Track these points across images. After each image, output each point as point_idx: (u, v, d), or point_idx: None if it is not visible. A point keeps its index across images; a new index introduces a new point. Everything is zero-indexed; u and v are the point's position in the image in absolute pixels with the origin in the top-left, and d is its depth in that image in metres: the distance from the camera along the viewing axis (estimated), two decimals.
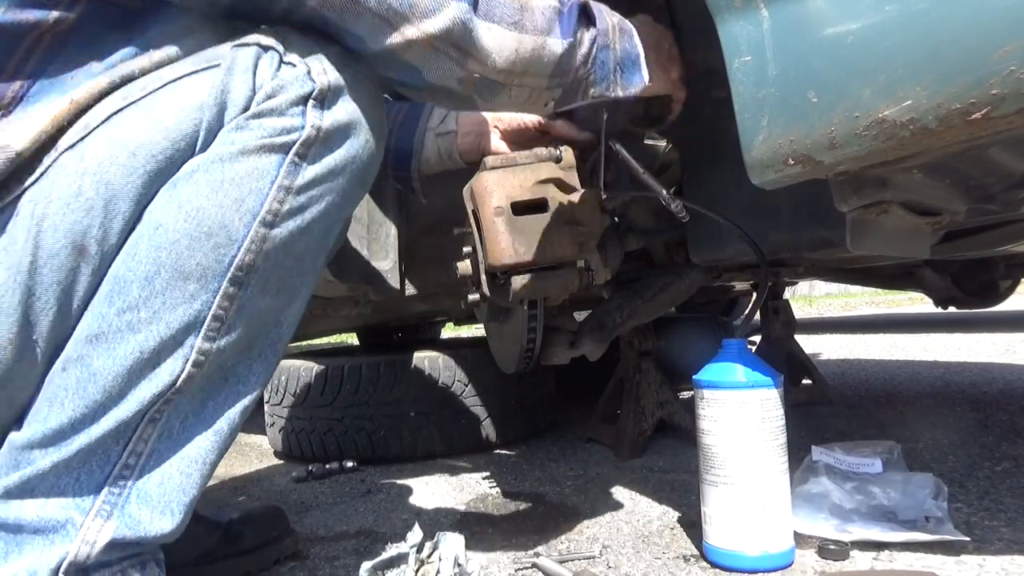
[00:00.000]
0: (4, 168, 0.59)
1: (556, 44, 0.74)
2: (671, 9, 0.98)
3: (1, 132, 0.59)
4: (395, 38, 0.66)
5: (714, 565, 0.83)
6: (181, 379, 0.62)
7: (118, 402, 0.61)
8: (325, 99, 0.65)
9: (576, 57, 0.76)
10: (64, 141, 0.61)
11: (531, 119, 1.03)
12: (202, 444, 0.66)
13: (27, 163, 0.60)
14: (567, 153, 0.97)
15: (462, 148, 1.05)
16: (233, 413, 0.68)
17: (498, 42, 0.71)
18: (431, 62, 0.69)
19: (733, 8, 0.66)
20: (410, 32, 0.66)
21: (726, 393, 0.81)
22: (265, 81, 0.63)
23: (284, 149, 0.63)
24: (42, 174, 0.60)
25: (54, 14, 0.62)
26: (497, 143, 1.05)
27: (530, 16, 0.72)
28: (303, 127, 0.64)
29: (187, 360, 0.63)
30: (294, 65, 0.64)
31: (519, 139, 1.05)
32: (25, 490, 0.60)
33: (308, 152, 0.64)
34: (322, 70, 0.65)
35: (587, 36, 0.76)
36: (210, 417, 0.66)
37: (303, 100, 0.64)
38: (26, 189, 0.60)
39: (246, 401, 0.69)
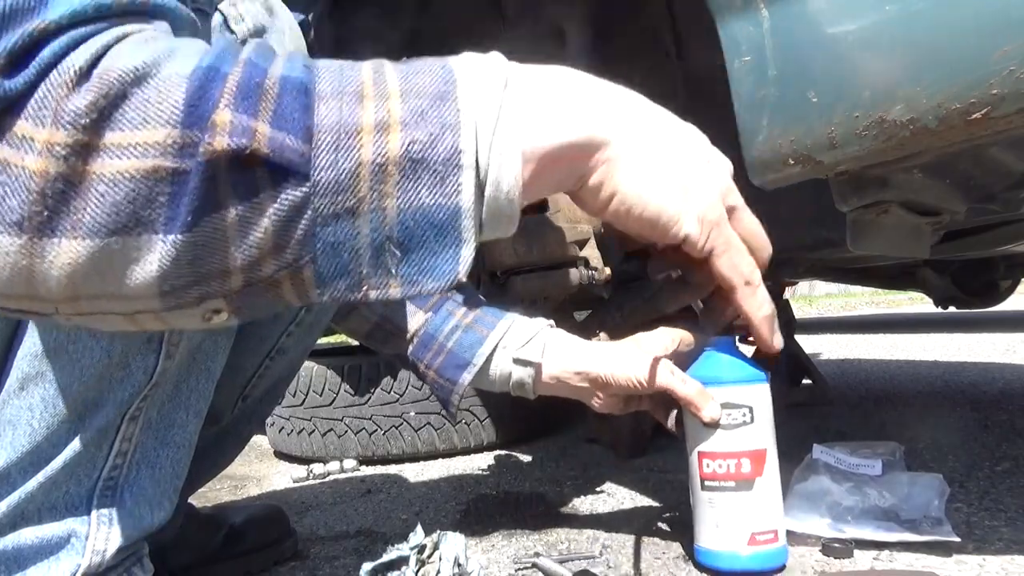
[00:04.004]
0: None
1: (147, 246, 0.38)
2: (671, 9, 0.98)
3: None
4: None
5: (704, 568, 0.82)
6: (156, 374, 0.60)
7: (95, 410, 0.59)
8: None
9: (225, 255, 0.39)
10: None
11: (637, 378, 0.80)
12: (184, 426, 0.65)
13: None
14: None
15: (541, 389, 0.87)
16: (206, 388, 0.67)
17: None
18: None
19: (733, 8, 0.66)
20: None
21: (713, 390, 0.79)
22: None
23: None
24: None
25: None
26: (595, 403, 0.86)
27: (81, 206, 0.37)
28: None
29: (159, 354, 0.60)
30: (206, 13, 0.57)
31: (621, 404, 0.87)
32: (16, 516, 0.58)
33: None
34: (237, 16, 0.58)
35: (269, 207, 0.38)
36: (185, 399, 0.65)
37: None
38: None
39: (216, 373, 0.68)
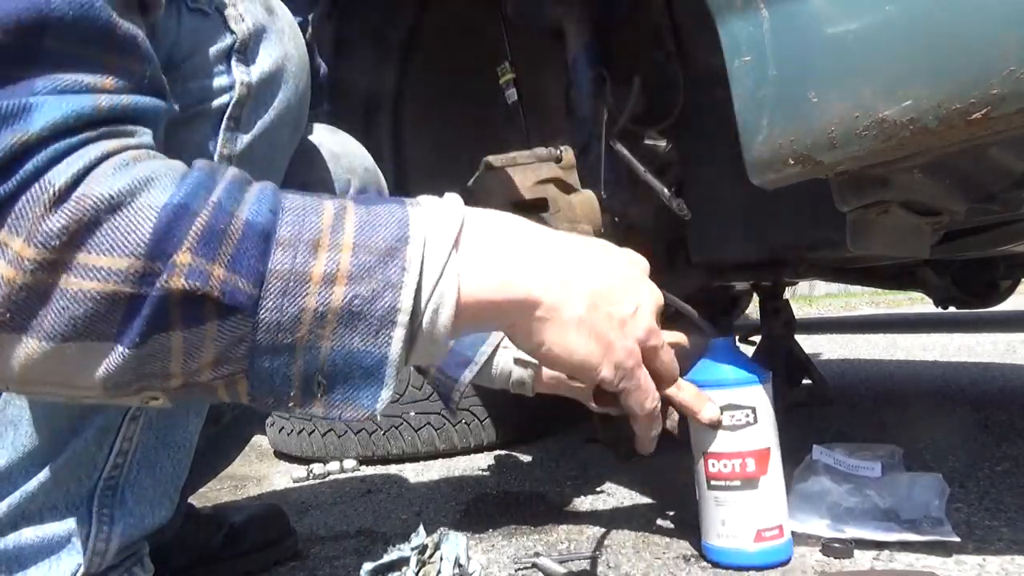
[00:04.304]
0: None
1: (97, 352, 0.42)
2: (671, 9, 0.98)
3: None
4: None
5: (714, 564, 0.83)
6: None
7: (96, 409, 0.59)
8: (247, 49, 0.58)
9: (168, 365, 0.43)
10: None
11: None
12: (185, 426, 0.65)
13: None
14: (567, 153, 0.97)
15: (541, 388, 0.90)
16: None
17: None
18: None
19: (733, 8, 0.66)
20: None
21: (715, 392, 0.80)
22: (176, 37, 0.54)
23: (217, 115, 0.58)
24: None
25: None
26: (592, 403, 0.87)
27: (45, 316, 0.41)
28: (232, 87, 0.58)
29: None
30: (206, 13, 0.57)
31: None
32: (17, 516, 0.58)
33: (241, 114, 0.59)
34: (237, 16, 0.58)
35: (212, 334, 0.43)
36: None
37: (225, 56, 0.57)
38: None
39: None
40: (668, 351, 0.63)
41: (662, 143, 1.24)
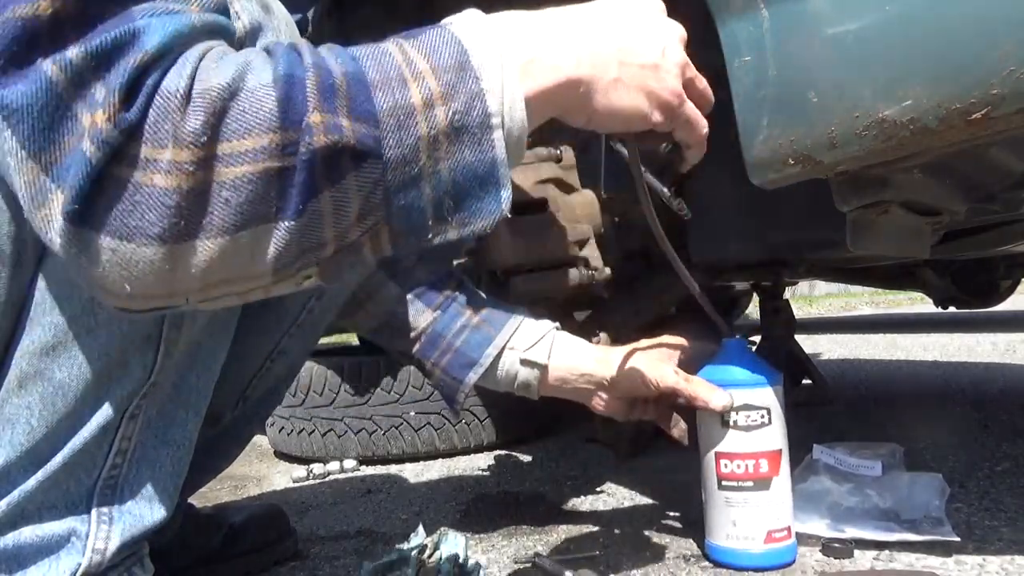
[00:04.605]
0: None
1: (266, 233, 0.45)
2: (671, 9, 0.98)
3: None
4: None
5: (717, 564, 0.83)
6: (155, 372, 0.60)
7: (95, 408, 0.59)
8: (243, 47, 0.58)
9: (323, 231, 0.46)
10: None
11: (642, 381, 0.81)
12: (184, 424, 0.65)
13: None
14: (567, 153, 0.97)
15: (546, 391, 0.88)
16: (206, 386, 0.67)
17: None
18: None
19: (733, 8, 0.66)
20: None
21: (730, 393, 0.80)
22: None
23: None
24: None
25: None
26: (598, 405, 0.87)
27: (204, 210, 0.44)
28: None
29: (157, 352, 0.60)
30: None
31: (625, 408, 0.87)
32: (16, 515, 0.58)
33: None
34: (234, 14, 0.59)
35: (354, 186, 0.46)
36: (185, 397, 0.65)
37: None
38: None
39: (215, 371, 0.68)
40: (700, 79, 0.64)
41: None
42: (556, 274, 0.93)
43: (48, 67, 0.42)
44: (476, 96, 0.49)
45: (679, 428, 0.86)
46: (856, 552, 0.83)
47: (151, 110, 0.42)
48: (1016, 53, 0.53)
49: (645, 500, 1.11)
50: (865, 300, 7.35)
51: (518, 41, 0.53)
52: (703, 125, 0.64)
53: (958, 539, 0.80)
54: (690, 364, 0.84)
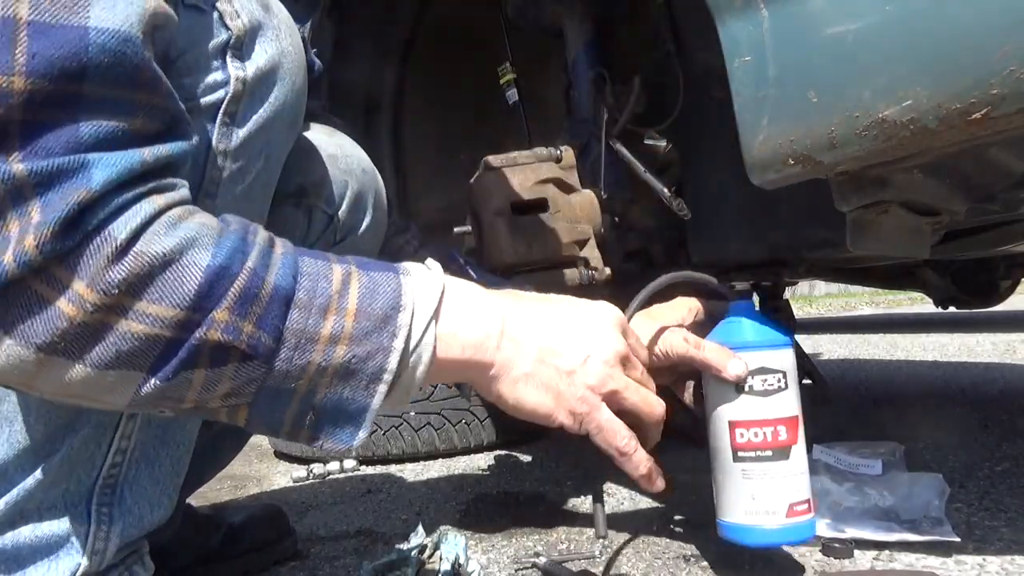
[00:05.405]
0: None
1: (132, 380, 0.48)
2: (671, 9, 0.98)
3: None
4: None
5: (732, 542, 0.76)
6: None
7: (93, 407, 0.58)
8: (243, 46, 0.59)
9: (187, 393, 0.50)
10: None
11: (653, 350, 0.77)
12: (183, 423, 0.65)
13: None
14: (567, 153, 0.97)
15: None
16: None
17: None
18: None
19: (733, 8, 0.66)
20: None
21: (744, 356, 0.74)
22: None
23: (212, 110, 0.59)
24: None
25: None
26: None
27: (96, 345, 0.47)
28: (227, 83, 0.58)
29: None
30: (202, 10, 0.58)
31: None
32: (15, 515, 0.58)
33: (237, 110, 0.60)
34: (233, 12, 0.59)
35: (230, 374, 0.49)
36: None
37: (220, 52, 0.58)
38: None
39: None
40: (638, 390, 0.65)
41: (662, 143, 1.24)
42: (556, 274, 0.93)
43: None
44: (381, 351, 0.53)
45: (690, 392, 0.82)
46: (856, 552, 0.83)
47: (89, 246, 0.44)
48: (1016, 53, 0.53)
49: (645, 500, 1.11)
50: (865, 300, 7.35)
51: (453, 310, 0.58)
52: (620, 436, 0.65)
53: (958, 539, 0.80)
54: (707, 328, 0.80)
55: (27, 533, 0.58)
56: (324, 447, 0.54)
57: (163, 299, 0.46)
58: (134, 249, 0.45)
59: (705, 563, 0.84)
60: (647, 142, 1.22)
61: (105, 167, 0.45)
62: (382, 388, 0.54)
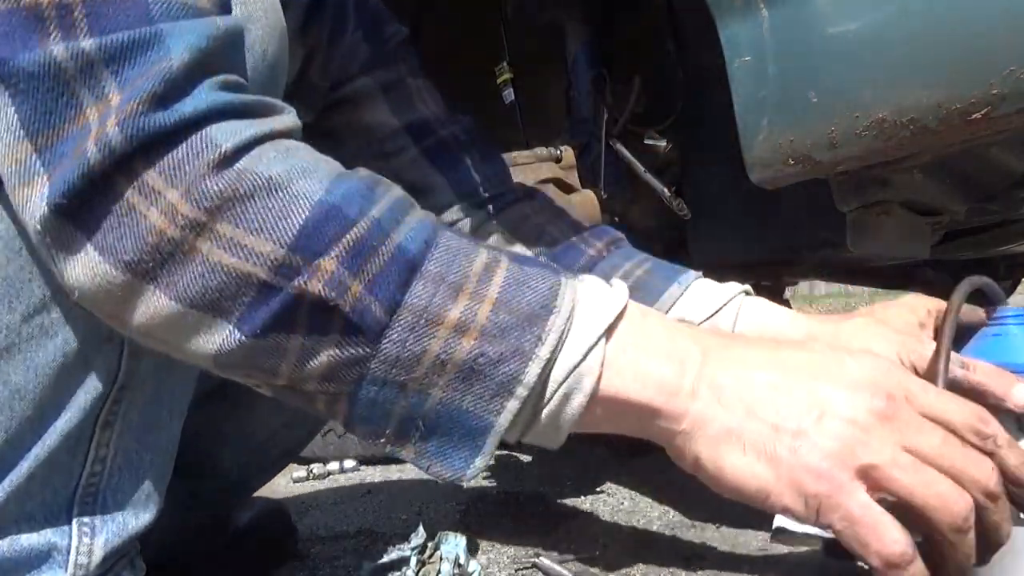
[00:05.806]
0: None
1: (217, 329, 0.42)
2: (671, 9, 0.98)
3: None
4: None
5: None
6: (121, 374, 0.55)
7: (58, 413, 0.54)
8: None
9: (280, 365, 0.42)
10: None
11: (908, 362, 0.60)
12: (167, 427, 0.62)
13: None
14: (567, 153, 0.97)
15: None
16: (186, 387, 0.62)
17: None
18: None
19: (733, 8, 0.66)
20: None
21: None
22: None
23: None
24: None
25: None
26: None
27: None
28: None
29: (121, 353, 0.54)
30: None
31: None
32: None
33: None
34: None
35: (331, 349, 0.41)
36: (168, 399, 0.61)
37: None
38: None
39: (195, 371, 0.62)
40: (916, 468, 0.42)
41: (662, 143, 1.24)
42: None
43: (57, 50, 0.39)
44: (518, 355, 0.42)
45: None
46: None
47: (183, 144, 0.39)
48: (1016, 53, 0.53)
49: (645, 500, 1.11)
50: (865, 300, 7.35)
51: (635, 333, 0.44)
52: (887, 535, 0.43)
53: None
54: (962, 338, 0.59)
55: (5, 547, 0.54)
56: (431, 470, 0.44)
57: (262, 230, 0.39)
58: (239, 165, 0.40)
59: (705, 563, 0.84)
60: (647, 142, 1.23)
61: (180, 35, 0.40)
62: (512, 405, 0.42)
